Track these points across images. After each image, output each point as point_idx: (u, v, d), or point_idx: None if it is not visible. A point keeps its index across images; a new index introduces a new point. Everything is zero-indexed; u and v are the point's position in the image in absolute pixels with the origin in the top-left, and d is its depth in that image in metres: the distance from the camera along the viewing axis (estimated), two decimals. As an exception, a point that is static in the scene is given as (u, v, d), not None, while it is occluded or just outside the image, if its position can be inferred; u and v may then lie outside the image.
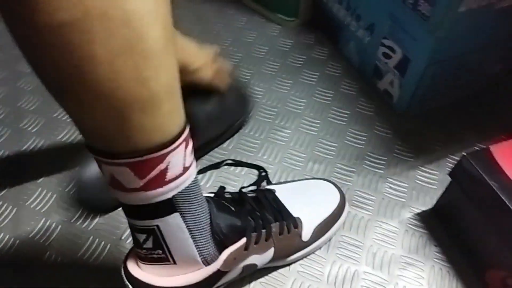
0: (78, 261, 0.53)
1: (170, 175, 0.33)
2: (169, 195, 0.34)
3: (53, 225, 0.56)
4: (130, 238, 0.54)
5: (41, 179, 0.61)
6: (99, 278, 0.51)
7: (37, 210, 0.58)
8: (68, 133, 0.66)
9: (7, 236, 0.55)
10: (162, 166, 0.32)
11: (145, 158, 0.31)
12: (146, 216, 0.36)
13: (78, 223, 0.56)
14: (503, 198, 0.42)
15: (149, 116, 0.29)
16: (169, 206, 0.35)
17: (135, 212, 0.36)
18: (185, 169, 0.34)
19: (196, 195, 0.37)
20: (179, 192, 0.35)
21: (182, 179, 0.34)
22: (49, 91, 0.29)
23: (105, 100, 0.27)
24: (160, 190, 0.33)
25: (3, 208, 0.58)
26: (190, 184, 0.36)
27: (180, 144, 0.33)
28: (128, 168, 0.31)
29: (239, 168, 0.62)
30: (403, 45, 0.61)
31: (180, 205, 0.35)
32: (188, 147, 0.34)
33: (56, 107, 0.70)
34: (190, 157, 0.35)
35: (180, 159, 0.33)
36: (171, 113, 0.31)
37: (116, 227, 0.56)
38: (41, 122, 0.68)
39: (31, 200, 0.59)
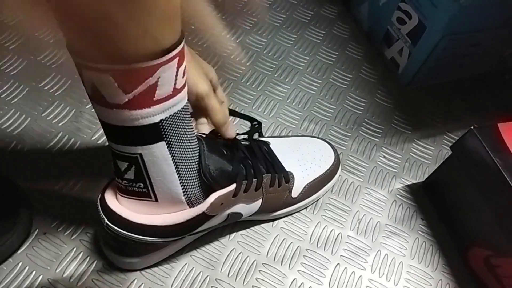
0: (49, 187, 0.49)
1: (159, 93, 0.29)
2: (156, 119, 0.30)
3: (26, 151, 0.52)
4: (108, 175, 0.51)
5: (14, 100, 0.56)
6: (71, 207, 0.48)
7: (10, 130, 0.53)
8: (49, 54, 0.61)
9: None
10: (151, 81, 0.28)
11: (132, 67, 0.26)
12: (129, 141, 0.32)
13: (54, 151, 0.52)
14: (506, 176, 0.41)
15: (140, 15, 0.25)
16: (155, 133, 0.31)
17: (117, 135, 0.32)
18: (176, 91, 0.30)
19: (186, 125, 0.34)
20: (167, 118, 0.31)
21: (172, 102, 0.30)
22: None
23: None
24: (146, 110, 0.29)
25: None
26: (180, 110, 0.32)
27: (174, 57, 0.28)
28: (112, 78, 0.27)
29: (231, 117, 0.59)
30: (421, 11, 0.58)
31: (167, 133, 0.32)
32: (182, 66, 0.30)
33: (38, 52, 0.63)
34: (182, 79, 0.31)
35: (171, 76, 0.29)
36: (165, 17, 0.26)
37: (94, 163, 0.52)
38: (20, 39, 0.62)
39: (4, 120, 0.54)
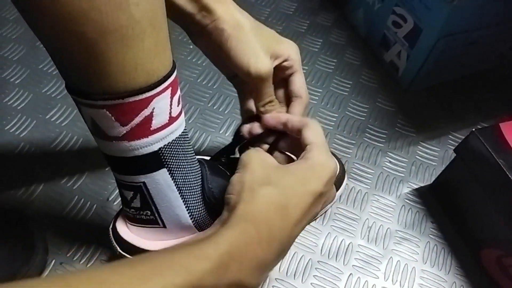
0: (61, 219, 0.50)
1: (155, 123, 0.30)
2: (155, 147, 0.31)
3: (36, 182, 0.53)
4: (118, 200, 0.52)
5: (24, 133, 0.57)
6: (84, 236, 0.49)
7: (21, 163, 0.54)
8: (53, 86, 0.62)
9: (-13, 190, 0.52)
10: (146, 112, 0.29)
11: (126, 101, 0.28)
12: (131, 171, 0.33)
13: (63, 181, 0.53)
14: (510, 176, 0.41)
15: (129, 50, 0.26)
16: (155, 161, 0.32)
17: (119, 166, 0.33)
18: (172, 119, 0.31)
19: (186, 151, 0.34)
20: (166, 145, 0.32)
21: (169, 130, 0.31)
22: (20, 12, 0.26)
23: (79, 23, 0.24)
24: (144, 140, 0.30)
25: (-17, 160, 0.54)
26: (179, 137, 0.33)
27: (166, 88, 0.29)
28: (108, 112, 0.28)
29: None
30: (415, 14, 0.58)
31: (167, 160, 0.33)
32: (175, 95, 0.31)
33: (42, 58, 0.65)
34: (177, 107, 0.32)
35: (166, 106, 0.30)
36: (156, 50, 0.28)
37: (103, 187, 0.53)
38: (25, 73, 0.64)
39: (16, 154, 0.55)
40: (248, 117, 0.41)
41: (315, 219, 0.35)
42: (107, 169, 0.55)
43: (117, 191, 0.52)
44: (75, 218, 0.51)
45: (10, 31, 0.69)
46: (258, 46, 0.35)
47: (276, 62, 0.37)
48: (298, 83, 0.39)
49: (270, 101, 0.38)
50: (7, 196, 0.52)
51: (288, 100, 0.41)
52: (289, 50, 0.38)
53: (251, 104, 0.40)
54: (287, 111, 0.40)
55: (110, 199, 0.52)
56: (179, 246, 0.28)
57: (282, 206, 0.30)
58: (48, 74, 0.64)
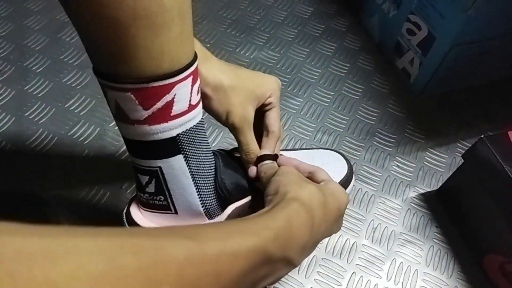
0: (75, 206, 0.52)
1: (175, 109, 0.31)
2: (174, 133, 0.33)
3: (53, 168, 0.55)
4: (131, 188, 0.54)
5: (42, 120, 0.59)
6: (97, 223, 0.50)
7: (39, 149, 0.56)
8: (73, 76, 0.64)
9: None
10: (168, 98, 0.30)
11: (151, 85, 0.29)
12: (149, 155, 0.34)
13: (79, 168, 0.55)
14: (516, 184, 0.41)
15: (157, 37, 0.27)
16: (173, 146, 0.34)
17: (138, 150, 0.35)
18: (191, 106, 0.33)
19: (201, 139, 0.36)
20: (183, 132, 0.33)
21: (188, 117, 0.33)
22: None
23: (113, 8, 0.25)
24: (164, 125, 0.32)
25: None
26: (196, 125, 0.34)
27: (189, 76, 0.31)
28: (133, 96, 0.30)
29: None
30: (430, 22, 0.59)
31: (184, 146, 0.34)
32: (196, 83, 0.33)
33: (63, 49, 0.68)
34: (197, 96, 0.33)
35: (187, 93, 0.32)
36: (181, 39, 0.29)
37: (118, 176, 0.55)
38: (47, 63, 0.66)
39: (33, 140, 0.57)
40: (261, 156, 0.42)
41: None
42: (122, 157, 0.56)
43: (130, 180, 0.54)
44: (89, 204, 0.52)
45: (33, 22, 0.71)
46: (235, 99, 0.39)
47: (256, 106, 0.41)
48: (273, 118, 0.43)
49: (248, 152, 0.41)
50: (24, 181, 0.54)
51: (262, 131, 0.44)
52: (270, 89, 0.42)
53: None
54: (260, 145, 0.43)
55: (123, 187, 0.54)
56: (235, 220, 0.31)
57: (323, 202, 0.34)
58: (69, 65, 0.66)
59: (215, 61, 0.39)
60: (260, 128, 0.43)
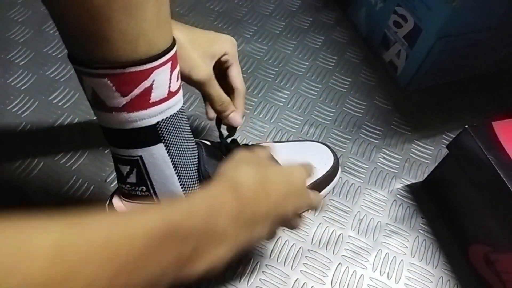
0: (59, 198, 0.51)
1: (154, 96, 0.31)
2: (153, 121, 0.32)
3: (36, 161, 0.54)
4: (115, 182, 0.53)
5: (26, 113, 0.58)
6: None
7: (22, 142, 0.55)
8: (57, 69, 0.63)
9: (-13, 166, 0.53)
10: (146, 84, 0.30)
11: (128, 70, 0.29)
12: (129, 144, 0.34)
13: (62, 161, 0.54)
14: (500, 174, 0.42)
15: (133, 19, 0.27)
16: (153, 134, 0.33)
17: (117, 139, 0.34)
18: (171, 94, 0.32)
19: (183, 127, 0.35)
20: (164, 120, 0.33)
21: (168, 104, 0.32)
22: None
23: None
24: (143, 112, 0.31)
25: (-15, 137, 0.55)
26: (176, 113, 0.34)
27: (167, 61, 0.30)
28: (110, 81, 0.29)
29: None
30: (416, 14, 0.59)
31: (165, 135, 0.34)
32: (175, 70, 0.32)
33: (47, 41, 0.67)
34: (176, 82, 0.33)
35: (166, 79, 0.31)
36: (157, 22, 0.29)
37: (101, 169, 0.54)
38: (30, 55, 0.65)
39: (17, 133, 0.56)
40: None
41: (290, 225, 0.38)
42: (106, 151, 0.56)
43: (115, 173, 0.53)
44: (73, 197, 0.52)
45: (17, 13, 0.70)
46: (195, 55, 0.40)
47: (213, 61, 0.42)
48: (234, 76, 0.44)
49: (222, 102, 0.43)
50: (7, 174, 0.53)
51: (229, 90, 0.46)
52: (225, 47, 0.43)
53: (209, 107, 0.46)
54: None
55: (107, 180, 0.53)
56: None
57: (260, 180, 0.33)
58: (52, 57, 0.65)
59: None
60: (224, 89, 0.44)
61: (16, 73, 0.62)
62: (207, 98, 0.43)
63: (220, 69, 0.44)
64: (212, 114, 0.47)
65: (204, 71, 0.40)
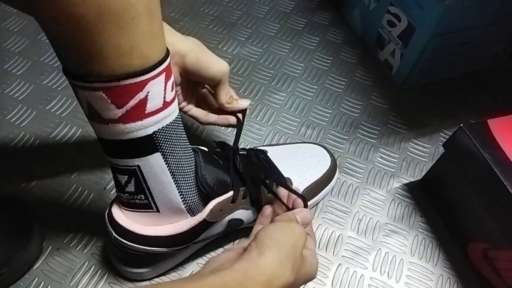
0: (59, 207, 0.51)
1: (150, 107, 0.31)
2: (150, 131, 0.32)
3: (35, 170, 0.54)
4: (115, 189, 0.53)
5: (24, 123, 0.59)
6: (80, 223, 0.50)
7: (21, 152, 0.56)
8: (54, 78, 0.63)
9: (-13, 177, 0.53)
10: (141, 95, 0.30)
11: (122, 83, 0.29)
12: (126, 154, 0.34)
13: (62, 170, 0.55)
14: (496, 171, 0.42)
15: (125, 33, 0.27)
16: (150, 144, 0.33)
17: (115, 150, 0.34)
18: (166, 103, 0.32)
19: (179, 136, 0.36)
20: (160, 129, 0.33)
21: (164, 114, 0.33)
22: None
23: (77, 5, 0.25)
24: (139, 123, 0.31)
25: (-16, 148, 0.56)
26: (172, 122, 0.34)
27: (161, 72, 0.31)
28: (104, 94, 0.29)
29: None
30: (409, 13, 0.59)
31: (161, 144, 0.34)
32: (169, 80, 0.33)
33: (43, 51, 0.67)
34: (171, 92, 0.33)
35: (160, 90, 0.31)
36: (150, 35, 0.29)
37: (100, 176, 0.54)
38: (27, 65, 0.65)
39: (15, 143, 0.57)
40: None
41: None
42: (105, 158, 0.56)
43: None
44: (73, 206, 0.52)
45: (12, 23, 0.70)
46: (210, 53, 0.43)
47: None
48: (222, 89, 0.46)
49: (230, 95, 0.47)
50: (7, 183, 0.53)
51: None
52: (223, 67, 0.45)
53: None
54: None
55: (107, 188, 0.53)
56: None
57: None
58: (49, 66, 0.65)
59: (173, 32, 0.41)
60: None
61: (13, 83, 0.63)
62: (218, 95, 0.45)
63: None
64: (211, 119, 0.48)
65: (223, 66, 0.43)
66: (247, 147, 0.56)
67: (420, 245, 0.51)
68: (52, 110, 0.60)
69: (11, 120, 0.59)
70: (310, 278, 0.36)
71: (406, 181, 0.57)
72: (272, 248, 0.32)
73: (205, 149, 0.43)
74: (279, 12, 0.77)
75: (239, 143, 0.58)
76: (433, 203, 0.54)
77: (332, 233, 0.52)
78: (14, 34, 0.69)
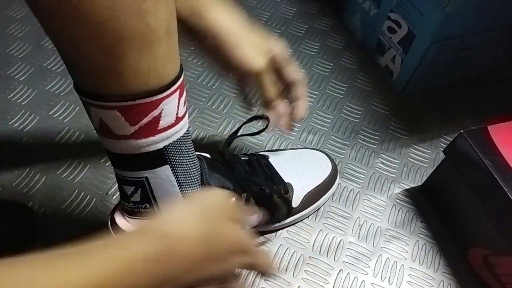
0: (61, 212, 0.52)
1: (162, 123, 0.31)
2: (161, 145, 0.33)
3: (38, 175, 0.55)
4: (117, 194, 0.54)
5: (27, 128, 0.59)
6: (83, 229, 0.50)
7: (24, 157, 0.56)
8: (57, 83, 0.64)
9: (-10, 182, 0.54)
10: (155, 113, 0.30)
11: (137, 102, 0.29)
12: (135, 167, 0.34)
13: (64, 175, 0.55)
14: (496, 177, 0.42)
15: (145, 56, 0.27)
16: (159, 158, 0.34)
17: (124, 163, 0.34)
18: (178, 119, 0.33)
19: (188, 149, 0.36)
20: (170, 144, 0.33)
21: (175, 129, 0.33)
22: (36, 16, 0.26)
23: (99, 31, 0.25)
24: (151, 139, 0.32)
25: (-13, 154, 0.56)
26: (182, 136, 0.34)
27: (175, 91, 0.31)
28: (119, 113, 0.29)
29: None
30: (409, 20, 0.60)
31: (171, 157, 0.34)
32: (182, 96, 0.33)
33: (46, 56, 0.67)
34: (183, 108, 0.33)
35: (174, 107, 0.32)
36: (168, 56, 0.29)
37: (103, 182, 0.55)
38: (30, 71, 0.65)
39: (18, 148, 0.57)
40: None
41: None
42: (107, 164, 0.56)
43: (116, 185, 0.54)
44: (75, 211, 0.52)
45: (16, 29, 0.71)
46: (249, 47, 0.40)
47: (268, 56, 0.42)
48: (290, 69, 0.44)
49: (272, 92, 0.44)
50: (9, 189, 0.53)
51: (286, 86, 0.46)
52: (278, 47, 0.43)
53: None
54: (293, 96, 0.46)
55: (109, 193, 0.54)
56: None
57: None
58: (52, 72, 0.65)
59: (223, 7, 0.39)
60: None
61: (16, 88, 0.63)
62: (260, 89, 0.44)
63: (274, 66, 0.44)
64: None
65: (260, 61, 0.41)
66: (249, 152, 0.57)
67: (421, 251, 0.51)
68: (55, 116, 0.61)
69: (15, 125, 0.59)
70: (230, 245, 0.31)
71: (407, 187, 0.57)
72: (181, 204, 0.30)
73: (208, 155, 0.44)
74: (280, 18, 0.77)
75: (241, 148, 0.59)
76: (434, 209, 0.55)
77: (333, 238, 0.52)
78: (18, 40, 0.69)
